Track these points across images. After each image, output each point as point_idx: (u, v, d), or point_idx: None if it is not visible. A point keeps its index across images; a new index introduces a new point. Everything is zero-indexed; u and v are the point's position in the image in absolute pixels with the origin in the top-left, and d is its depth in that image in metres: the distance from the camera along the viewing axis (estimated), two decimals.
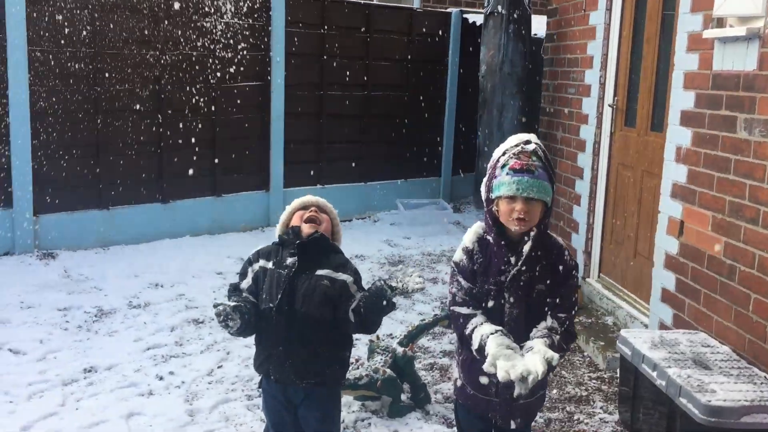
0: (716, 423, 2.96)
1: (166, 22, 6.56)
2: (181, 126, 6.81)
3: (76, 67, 6.13)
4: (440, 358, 4.64)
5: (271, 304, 2.70)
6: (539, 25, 7.27)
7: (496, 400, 2.58)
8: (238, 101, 7.17)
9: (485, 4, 7.16)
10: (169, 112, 6.72)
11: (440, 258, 6.90)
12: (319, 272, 2.73)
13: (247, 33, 7.14)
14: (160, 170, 6.76)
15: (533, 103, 7.08)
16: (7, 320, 4.86)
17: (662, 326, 4.39)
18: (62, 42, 6.03)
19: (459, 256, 2.56)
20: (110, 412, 3.78)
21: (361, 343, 4.47)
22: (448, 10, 9.02)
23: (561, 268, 2.51)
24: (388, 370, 3.83)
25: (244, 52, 7.13)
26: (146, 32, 6.46)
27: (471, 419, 2.70)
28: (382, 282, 2.60)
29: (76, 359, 4.38)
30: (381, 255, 6.88)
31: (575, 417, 3.94)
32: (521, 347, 2.37)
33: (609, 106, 5.41)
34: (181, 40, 6.67)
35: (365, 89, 8.13)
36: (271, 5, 7.23)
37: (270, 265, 2.77)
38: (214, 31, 6.88)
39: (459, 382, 2.70)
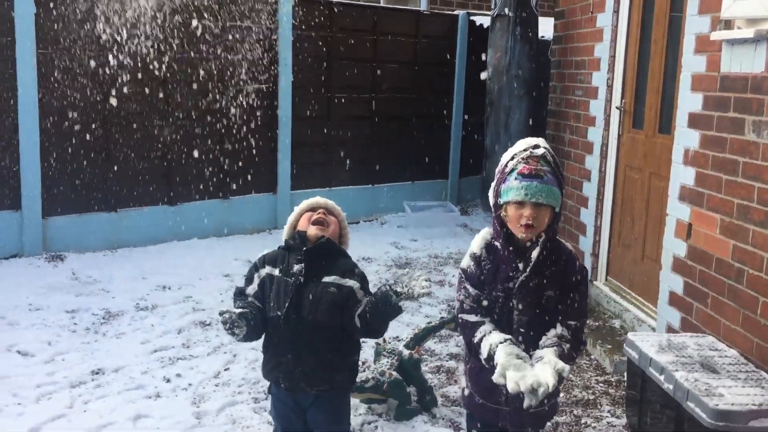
0: (724, 427, 2.95)
1: (173, 24, 6.58)
2: (188, 129, 6.83)
3: (85, 70, 6.16)
4: (447, 360, 4.63)
5: (278, 312, 2.68)
6: (546, 27, 7.26)
7: (506, 408, 2.53)
8: (246, 104, 7.19)
9: (492, 6, 7.15)
10: (177, 115, 6.74)
11: (447, 260, 6.90)
12: (326, 279, 2.71)
13: (255, 35, 7.15)
14: (167, 173, 6.78)
15: (540, 105, 7.07)
16: (16, 322, 4.89)
17: (670, 329, 4.37)
18: (71, 45, 6.06)
19: (466, 262, 2.52)
20: (117, 414, 3.79)
21: (367, 346, 4.46)
22: (455, 12, 9.03)
23: (571, 273, 2.46)
24: (395, 373, 3.83)
25: (251, 55, 7.15)
26: (153, 34, 6.48)
27: (482, 428, 2.65)
28: (388, 287, 2.57)
29: (83, 361, 4.40)
30: (388, 257, 6.88)
31: (582, 421, 3.92)
32: (530, 356, 2.33)
33: (617, 108, 5.40)
34: (187, 43, 6.69)
35: (372, 91, 8.14)
36: (279, 8, 7.25)
37: (277, 271, 2.75)
38: (221, 33, 6.90)
39: (467, 391, 2.65)
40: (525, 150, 2.42)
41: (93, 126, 6.28)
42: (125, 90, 6.38)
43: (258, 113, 7.31)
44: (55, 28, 5.97)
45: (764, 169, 3.59)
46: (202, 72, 6.82)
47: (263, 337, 2.80)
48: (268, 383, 2.89)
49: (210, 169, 7.04)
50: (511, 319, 2.45)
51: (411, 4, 10.69)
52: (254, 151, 7.33)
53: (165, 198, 6.81)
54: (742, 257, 3.74)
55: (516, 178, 2.37)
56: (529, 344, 2.40)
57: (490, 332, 2.39)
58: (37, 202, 6.04)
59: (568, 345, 2.38)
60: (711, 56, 4.02)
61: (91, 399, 3.95)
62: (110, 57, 6.25)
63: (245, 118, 7.21)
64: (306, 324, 2.67)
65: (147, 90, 6.52)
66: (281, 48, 7.31)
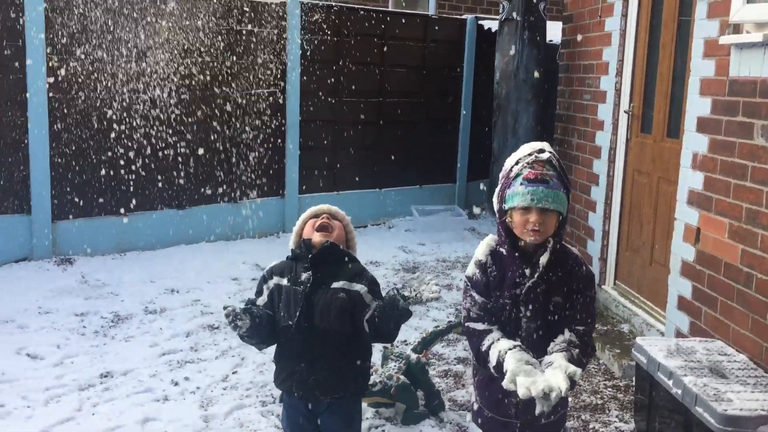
0: None
1: (181, 27, 6.61)
2: (196, 133, 6.86)
3: (93, 74, 6.19)
4: (455, 365, 4.63)
5: (290, 322, 2.68)
6: (554, 32, 7.26)
7: (516, 422, 2.49)
8: (254, 108, 7.21)
9: (500, 11, 7.15)
10: (184, 119, 6.77)
11: (455, 264, 6.89)
12: (335, 285, 2.70)
13: (263, 40, 7.18)
14: (175, 177, 6.81)
15: (548, 110, 7.06)
16: (26, 325, 4.91)
17: (679, 334, 4.36)
18: (79, 47, 6.10)
19: (471, 270, 2.48)
20: (126, 417, 3.80)
21: (375, 350, 4.43)
22: (464, 16, 9.03)
23: (578, 278, 2.43)
24: (402, 377, 3.83)
25: (259, 59, 7.17)
26: (160, 38, 6.52)
27: None
28: (396, 291, 2.56)
29: (92, 364, 4.42)
30: (396, 261, 6.88)
31: (590, 426, 3.91)
32: (540, 362, 2.29)
33: (625, 112, 5.39)
34: (196, 48, 6.72)
35: (380, 96, 8.15)
36: (287, 13, 7.27)
37: (285, 281, 2.75)
38: (229, 37, 6.92)
39: (476, 405, 2.60)
40: (530, 154, 2.39)
41: (101, 130, 6.31)
42: (133, 93, 6.41)
43: (266, 117, 7.33)
44: (65, 31, 6.01)
45: None
46: (209, 76, 6.85)
47: (275, 347, 2.80)
48: (275, 386, 2.89)
49: (218, 173, 7.06)
50: (519, 326, 2.41)
51: (419, 9, 10.71)
52: (262, 155, 7.36)
53: (173, 202, 6.84)
54: (750, 262, 3.73)
55: (521, 183, 2.33)
56: (538, 352, 2.36)
57: (499, 339, 2.35)
58: (46, 205, 6.08)
59: (577, 350, 2.35)
60: (720, 60, 4.01)
61: (99, 402, 3.97)
62: (120, 57, 6.28)
63: (253, 121, 7.23)
64: (317, 332, 2.66)
65: (154, 93, 6.55)
66: (289, 52, 7.33)
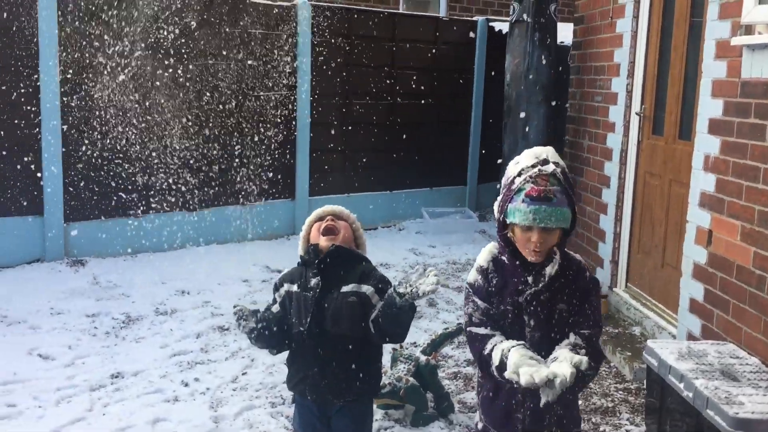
0: None
1: (191, 32, 6.65)
2: (207, 135, 6.88)
3: (106, 77, 6.23)
4: (464, 367, 4.62)
5: (301, 328, 2.68)
6: (565, 33, 7.24)
7: None
8: (264, 110, 7.23)
9: (511, 12, 7.14)
10: (195, 121, 6.79)
11: (465, 267, 6.88)
12: (345, 289, 2.69)
13: (273, 42, 7.20)
14: (186, 179, 6.84)
15: (559, 112, 7.04)
16: (38, 326, 4.95)
17: (690, 337, 4.33)
18: (92, 50, 6.14)
19: (473, 276, 2.42)
20: (136, 418, 3.82)
21: (384, 351, 4.45)
22: (475, 18, 9.02)
23: (581, 285, 2.37)
24: (412, 379, 3.82)
25: (270, 61, 7.19)
26: (175, 40, 6.55)
27: None
28: (392, 288, 2.53)
29: (103, 365, 4.44)
30: (406, 263, 6.88)
31: (601, 429, 3.89)
32: (545, 360, 2.21)
33: (636, 114, 5.37)
34: (207, 50, 6.75)
35: (391, 98, 8.16)
36: (297, 15, 7.30)
37: (295, 287, 2.75)
38: (240, 40, 6.95)
39: (480, 425, 2.50)
40: (533, 166, 2.29)
41: (113, 132, 6.34)
42: (145, 97, 6.45)
43: (276, 119, 7.35)
44: (78, 34, 6.05)
45: None
46: (220, 78, 6.87)
47: (288, 351, 2.81)
48: (287, 388, 2.90)
49: (228, 175, 7.09)
50: (523, 336, 2.34)
51: (430, 11, 10.71)
52: (272, 158, 7.38)
53: (184, 204, 6.86)
54: (763, 264, 3.70)
55: (524, 201, 2.25)
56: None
57: (501, 341, 2.28)
58: (59, 207, 6.12)
59: (583, 351, 2.27)
60: (731, 62, 3.99)
61: (110, 402, 3.99)
62: (131, 60, 6.32)
63: (263, 124, 7.26)
64: (329, 337, 2.66)
65: (167, 96, 6.58)
66: (300, 54, 7.35)
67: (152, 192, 6.63)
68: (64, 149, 6.08)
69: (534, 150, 2.36)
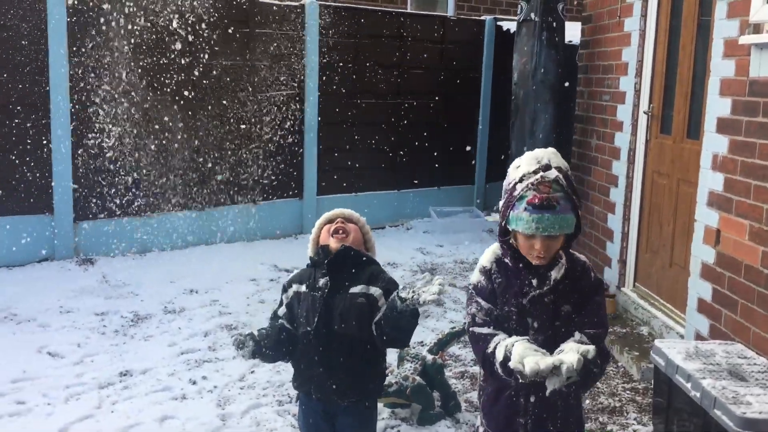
0: None
1: (203, 32, 6.67)
2: (216, 135, 6.91)
3: (115, 77, 6.26)
4: (471, 366, 4.62)
5: (308, 328, 2.69)
6: (573, 32, 7.22)
7: None
8: (273, 109, 7.25)
9: (518, 11, 7.13)
10: (205, 121, 6.82)
11: (473, 266, 6.87)
12: (353, 290, 2.70)
13: (281, 42, 7.21)
14: (196, 178, 6.86)
15: (566, 111, 7.03)
16: (47, 324, 4.98)
17: (698, 337, 4.31)
18: (102, 47, 6.17)
19: (476, 277, 2.39)
20: (144, 415, 3.84)
21: (391, 351, 4.47)
22: (482, 17, 9.01)
23: (586, 286, 2.34)
24: (418, 378, 3.83)
25: (278, 61, 7.21)
26: (184, 41, 6.58)
27: None
28: (396, 293, 2.51)
29: (112, 363, 4.47)
30: (413, 263, 6.88)
31: (608, 428, 3.89)
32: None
33: (644, 113, 5.35)
34: (216, 51, 6.77)
35: (398, 97, 8.16)
36: (305, 14, 7.31)
37: (304, 288, 2.76)
38: (249, 40, 6.97)
39: (481, 429, 2.47)
40: (535, 172, 2.24)
41: (124, 132, 6.37)
42: (153, 95, 6.47)
43: (284, 119, 7.37)
44: (87, 35, 6.08)
45: None
46: (229, 78, 6.89)
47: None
48: (293, 387, 2.91)
49: (237, 174, 7.11)
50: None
51: (438, 10, 10.71)
52: (280, 157, 7.39)
53: (193, 203, 6.89)
54: None
55: (526, 209, 2.20)
56: None
57: (505, 338, 2.24)
58: (69, 206, 6.15)
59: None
60: (740, 60, 3.97)
61: (118, 400, 4.01)
62: (142, 57, 6.34)
63: (272, 123, 7.27)
64: (336, 337, 2.67)
65: (175, 96, 6.60)
66: (308, 54, 7.36)
67: (161, 191, 6.66)
68: (73, 148, 6.12)
69: (535, 153, 2.31)
